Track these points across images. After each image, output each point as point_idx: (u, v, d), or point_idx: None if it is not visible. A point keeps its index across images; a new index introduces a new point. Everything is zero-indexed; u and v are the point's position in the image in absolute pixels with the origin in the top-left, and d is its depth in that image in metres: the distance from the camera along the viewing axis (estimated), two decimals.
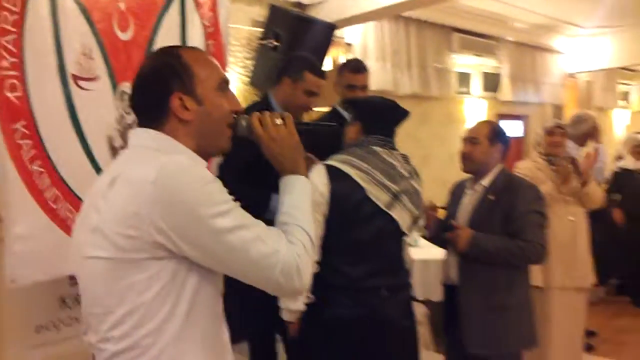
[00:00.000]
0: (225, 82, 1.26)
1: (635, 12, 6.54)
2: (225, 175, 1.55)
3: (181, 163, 1.10)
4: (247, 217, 1.13)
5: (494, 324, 2.36)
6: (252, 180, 2.12)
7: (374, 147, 2.08)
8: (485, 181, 2.47)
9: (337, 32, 4.20)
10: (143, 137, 1.21)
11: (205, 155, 1.24)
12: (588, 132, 4.13)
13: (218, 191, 1.11)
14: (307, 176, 1.30)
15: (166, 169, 1.08)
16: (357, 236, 2.01)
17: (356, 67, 2.76)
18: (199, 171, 1.12)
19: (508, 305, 2.37)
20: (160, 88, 1.19)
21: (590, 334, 4.25)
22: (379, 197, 2.00)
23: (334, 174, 2.01)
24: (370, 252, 2.03)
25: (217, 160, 2.29)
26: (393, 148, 2.14)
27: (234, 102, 1.27)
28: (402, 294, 2.10)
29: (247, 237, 1.10)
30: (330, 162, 2.06)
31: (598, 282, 5.12)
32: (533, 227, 2.35)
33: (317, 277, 1.65)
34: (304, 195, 1.26)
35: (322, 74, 2.45)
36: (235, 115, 1.27)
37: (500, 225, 2.36)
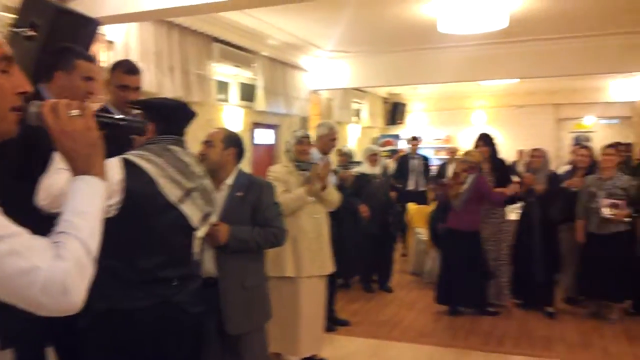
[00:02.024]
0: (5, 58, 1.08)
1: (367, 42, 7.70)
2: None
3: None
4: (2, 227, 0.98)
5: (250, 304, 2.73)
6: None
7: (169, 146, 2.17)
8: (229, 180, 2.81)
9: (99, 29, 4.11)
10: None
11: None
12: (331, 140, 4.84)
13: None
14: (102, 177, 1.18)
15: None
16: (149, 229, 2.08)
17: (130, 68, 2.81)
18: None
19: (256, 286, 2.80)
20: None
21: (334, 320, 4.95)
22: (171, 192, 2.09)
23: (129, 167, 2.03)
24: (161, 244, 2.11)
25: None
26: (185, 148, 2.27)
27: (18, 82, 1.10)
28: (192, 283, 2.23)
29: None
30: (125, 155, 2.07)
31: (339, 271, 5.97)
32: (278, 216, 2.86)
33: (109, 271, 1.69)
34: (93, 199, 1.13)
35: (93, 60, 2.49)
36: (25, 100, 1.11)
37: (249, 217, 2.75)
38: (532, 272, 5.31)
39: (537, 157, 5.46)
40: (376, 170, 6.08)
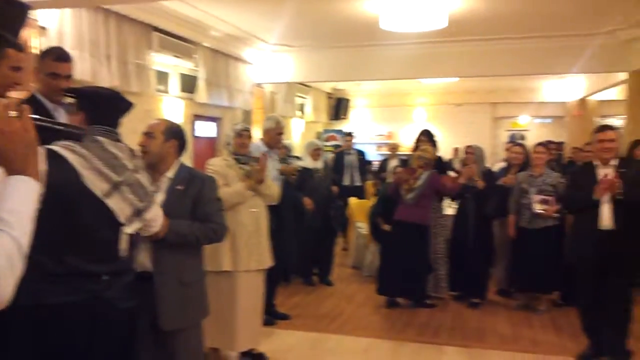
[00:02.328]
0: None
1: (311, 36, 7.71)
2: None
3: None
4: None
5: (187, 300, 2.68)
6: None
7: (97, 137, 2.10)
8: (170, 173, 2.74)
9: (31, 13, 3.93)
10: None
11: None
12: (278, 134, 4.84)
13: None
14: (37, 177, 1.22)
15: None
16: (74, 223, 2.01)
17: (61, 55, 2.70)
18: None
19: (194, 281, 2.74)
20: None
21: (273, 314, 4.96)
22: (96, 185, 2.02)
23: (52, 158, 1.95)
24: (87, 239, 2.04)
25: None
26: (118, 140, 2.19)
27: None
28: (123, 278, 2.17)
29: None
30: (49, 146, 1.99)
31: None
32: (218, 211, 2.80)
33: (35, 266, 1.62)
34: (27, 199, 1.18)
35: (22, 48, 2.36)
36: None
37: (189, 211, 2.69)
38: (466, 265, 5.50)
39: (470, 154, 5.65)
40: (319, 164, 6.11)
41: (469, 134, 13.22)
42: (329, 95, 13.52)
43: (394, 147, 9.39)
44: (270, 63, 8.52)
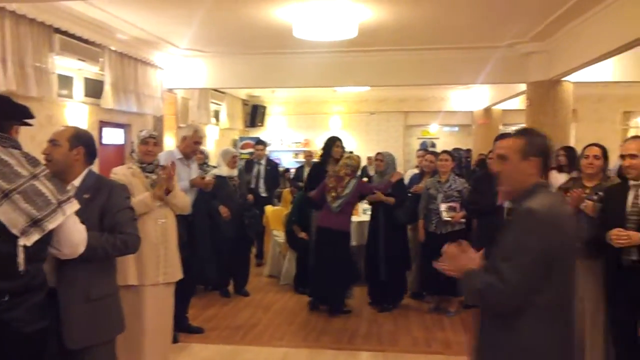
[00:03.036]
0: None
1: (223, 42, 7.59)
2: None
3: None
4: None
5: (95, 316, 2.49)
6: None
7: None
8: (77, 182, 2.57)
9: None
10: None
11: None
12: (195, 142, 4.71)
13: None
14: None
15: None
16: None
17: None
18: None
19: (103, 296, 2.54)
20: None
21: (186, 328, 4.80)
22: None
23: None
24: None
25: None
26: (15, 146, 2.05)
27: None
28: (29, 297, 2.01)
29: None
30: None
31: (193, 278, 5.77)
32: (129, 221, 2.62)
33: None
34: None
35: None
36: None
37: (97, 222, 2.51)
38: (381, 272, 5.59)
39: (379, 161, 5.79)
40: (234, 172, 6.01)
41: (382, 142, 13.58)
42: (245, 102, 13.40)
43: (310, 155, 9.44)
44: (182, 68, 8.31)
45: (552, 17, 6.18)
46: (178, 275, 3.71)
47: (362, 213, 6.62)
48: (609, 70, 7.57)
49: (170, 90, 8.62)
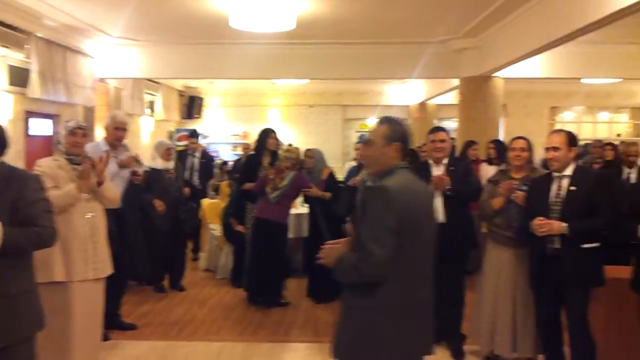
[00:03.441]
0: None
1: (158, 31, 7.40)
2: None
3: None
4: None
5: (12, 314, 2.35)
6: None
7: None
8: None
9: None
10: None
11: None
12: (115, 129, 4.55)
13: None
14: None
15: None
16: None
17: None
18: None
19: (20, 292, 2.40)
20: None
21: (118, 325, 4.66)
22: None
23: None
24: None
25: None
26: None
27: None
28: None
29: None
30: None
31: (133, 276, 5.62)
32: (44, 213, 2.47)
33: None
34: None
35: None
36: None
37: (8, 215, 2.35)
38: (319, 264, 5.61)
39: (309, 157, 5.82)
40: (170, 165, 5.87)
41: (320, 134, 13.65)
42: (181, 93, 13.11)
43: (247, 147, 9.35)
44: (114, 57, 8.03)
45: (482, 15, 6.39)
46: (108, 270, 3.59)
47: (301, 205, 6.63)
48: (536, 67, 7.91)
49: (102, 79, 8.32)
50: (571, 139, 3.40)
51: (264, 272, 5.43)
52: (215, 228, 7.00)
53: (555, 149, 3.39)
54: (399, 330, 2.25)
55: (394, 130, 2.32)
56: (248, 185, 5.69)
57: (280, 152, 5.81)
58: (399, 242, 2.15)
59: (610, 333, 3.58)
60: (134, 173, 4.68)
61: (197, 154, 7.96)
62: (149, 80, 10.36)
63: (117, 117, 4.57)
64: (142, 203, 5.34)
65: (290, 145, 6.76)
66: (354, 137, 14.38)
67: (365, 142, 2.37)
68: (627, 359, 3.60)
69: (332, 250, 2.36)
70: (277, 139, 5.98)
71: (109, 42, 7.78)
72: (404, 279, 2.22)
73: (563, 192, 3.35)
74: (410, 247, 2.21)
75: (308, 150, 5.94)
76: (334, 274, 2.33)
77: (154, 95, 11.14)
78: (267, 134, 5.90)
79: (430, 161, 4.19)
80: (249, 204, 5.87)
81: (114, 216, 3.95)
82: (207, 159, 8.27)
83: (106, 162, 3.50)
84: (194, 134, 8.41)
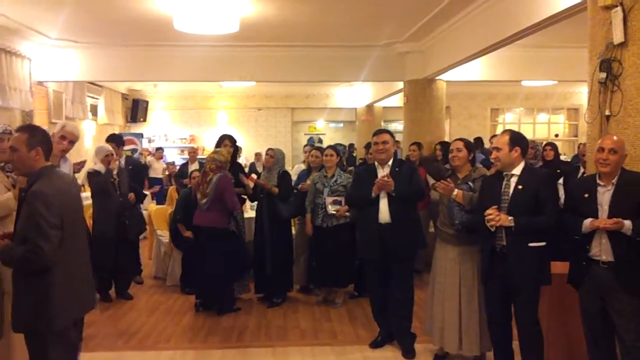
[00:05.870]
0: None
1: (99, 33, 7.19)
2: None
3: None
4: None
5: None
6: None
7: None
8: None
9: None
10: None
11: None
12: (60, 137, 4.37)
13: None
14: None
15: None
16: None
17: None
18: None
19: None
20: None
21: None
22: None
23: None
24: None
25: None
26: None
27: None
28: None
29: None
30: None
31: None
32: None
33: None
34: None
35: None
36: None
37: None
38: (267, 266, 5.59)
39: (269, 156, 5.78)
40: (113, 170, 5.70)
41: (269, 137, 13.63)
42: (125, 97, 12.80)
43: (194, 151, 9.21)
44: (53, 59, 7.75)
45: (424, 20, 6.54)
46: None
47: (250, 209, 6.57)
48: (478, 70, 8.15)
49: (40, 82, 8.01)
50: (514, 139, 3.50)
51: (210, 279, 5.33)
52: (163, 234, 6.86)
53: (496, 149, 3.50)
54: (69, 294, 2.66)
55: (34, 136, 2.64)
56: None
57: (208, 154, 5.66)
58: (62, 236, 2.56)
59: (553, 325, 3.72)
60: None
61: (122, 160, 7.61)
62: (91, 83, 10.06)
63: (66, 127, 4.39)
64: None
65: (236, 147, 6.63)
66: (303, 139, 14.44)
67: (11, 149, 2.66)
68: (568, 349, 3.75)
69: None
70: (231, 145, 5.81)
71: (47, 44, 7.50)
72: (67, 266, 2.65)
73: (510, 190, 3.45)
74: (68, 240, 2.62)
75: (270, 149, 5.86)
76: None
77: (96, 98, 10.82)
78: (221, 140, 5.81)
79: (376, 163, 4.26)
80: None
81: None
82: (132, 164, 7.82)
83: None
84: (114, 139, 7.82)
